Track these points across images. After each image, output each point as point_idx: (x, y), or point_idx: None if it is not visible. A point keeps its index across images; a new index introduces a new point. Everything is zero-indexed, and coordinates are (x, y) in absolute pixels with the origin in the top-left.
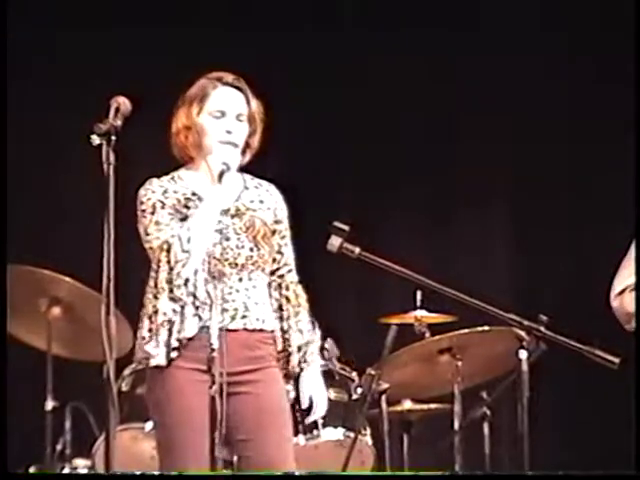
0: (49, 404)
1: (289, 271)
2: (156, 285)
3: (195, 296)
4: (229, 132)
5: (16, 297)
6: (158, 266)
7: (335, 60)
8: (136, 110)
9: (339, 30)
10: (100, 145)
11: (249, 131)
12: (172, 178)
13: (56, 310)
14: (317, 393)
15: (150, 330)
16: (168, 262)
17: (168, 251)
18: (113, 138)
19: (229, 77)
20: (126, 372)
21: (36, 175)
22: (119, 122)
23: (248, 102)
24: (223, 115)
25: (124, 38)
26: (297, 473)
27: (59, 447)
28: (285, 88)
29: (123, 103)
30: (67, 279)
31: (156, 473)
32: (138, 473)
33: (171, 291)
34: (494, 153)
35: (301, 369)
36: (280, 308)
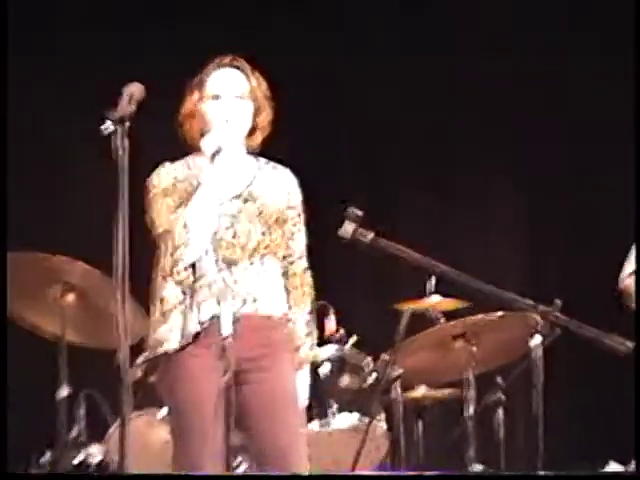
0: (63, 391)
1: (299, 258)
2: (162, 270)
3: (207, 279)
4: (227, 112)
5: (30, 284)
6: (163, 252)
7: (335, 60)
8: (136, 110)
9: (339, 30)
10: (109, 135)
11: (254, 109)
12: (184, 164)
13: (70, 297)
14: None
15: (163, 314)
16: (171, 247)
17: (171, 236)
18: (127, 124)
19: (227, 59)
20: (139, 360)
21: (36, 175)
22: (134, 107)
23: (248, 79)
24: (221, 97)
25: (124, 38)
26: (307, 466)
27: (73, 434)
28: (285, 88)
29: (138, 89)
30: (81, 264)
31: (155, 473)
32: (139, 473)
33: (177, 274)
34: (495, 153)
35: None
36: (286, 295)
